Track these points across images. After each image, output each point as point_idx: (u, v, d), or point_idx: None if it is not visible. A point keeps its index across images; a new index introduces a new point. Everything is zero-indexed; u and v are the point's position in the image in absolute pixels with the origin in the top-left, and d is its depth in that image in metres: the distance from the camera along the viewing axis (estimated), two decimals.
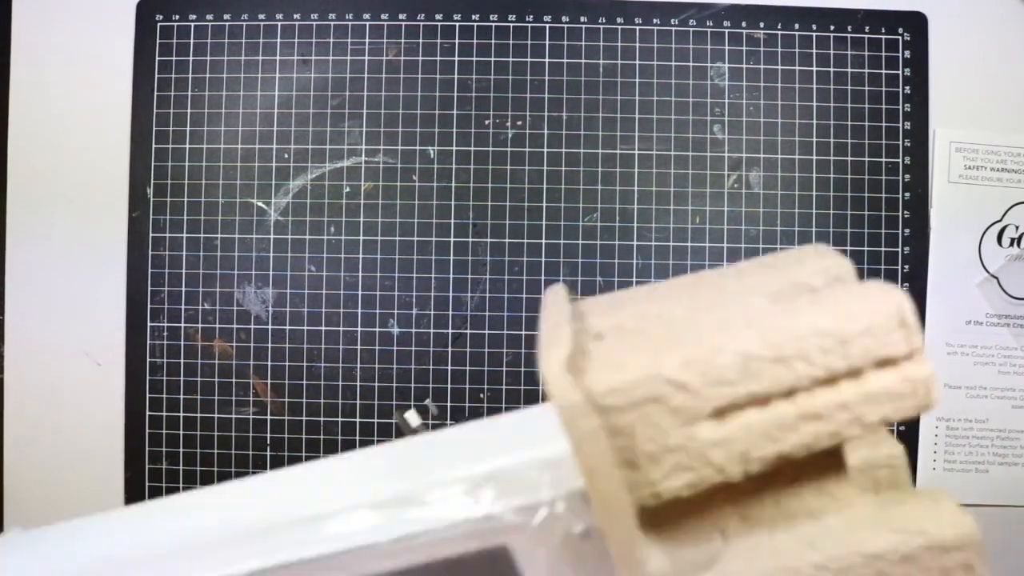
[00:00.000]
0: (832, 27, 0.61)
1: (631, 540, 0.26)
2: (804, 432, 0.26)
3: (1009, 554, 0.62)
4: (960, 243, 0.62)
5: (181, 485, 0.60)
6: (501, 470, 0.29)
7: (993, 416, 0.62)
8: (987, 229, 0.62)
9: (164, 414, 0.60)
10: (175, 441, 0.60)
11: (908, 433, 0.60)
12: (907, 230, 0.61)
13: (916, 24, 0.61)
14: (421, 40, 0.61)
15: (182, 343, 0.60)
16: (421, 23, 0.61)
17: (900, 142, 0.61)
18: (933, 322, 0.61)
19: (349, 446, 0.60)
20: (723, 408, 0.26)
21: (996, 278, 0.62)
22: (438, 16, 0.61)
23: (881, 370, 0.25)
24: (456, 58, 0.61)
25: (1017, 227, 0.62)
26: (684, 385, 0.26)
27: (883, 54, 0.61)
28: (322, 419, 0.60)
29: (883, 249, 0.61)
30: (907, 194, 0.61)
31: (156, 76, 0.60)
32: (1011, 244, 0.62)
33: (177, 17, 0.61)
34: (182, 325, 0.60)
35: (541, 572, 0.29)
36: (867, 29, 0.61)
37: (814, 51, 0.61)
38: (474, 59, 0.61)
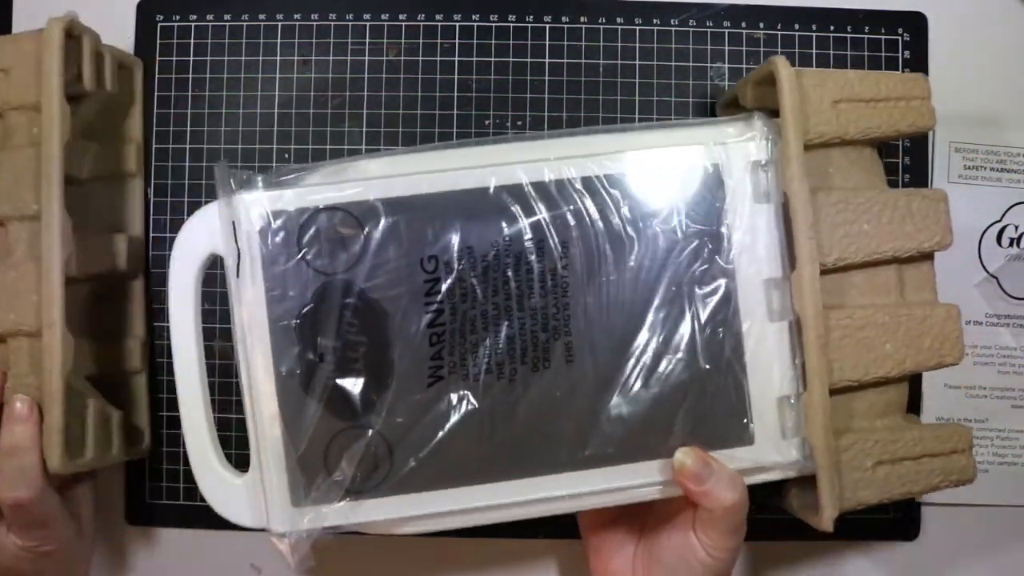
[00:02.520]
0: (832, 27, 0.61)
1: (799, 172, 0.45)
2: None
3: (1010, 554, 0.62)
4: (959, 243, 0.61)
5: (181, 485, 0.60)
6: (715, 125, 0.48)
7: (993, 416, 0.62)
8: (986, 229, 0.62)
9: (165, 414, 0.60)
10: (175, 441, 0.60)
11: None
12: None
13: (916, 24, 0.61)
14: (421, 40, 0.61)
15: None
16: (421, 23, 0.61)
17: (900, 142, 0.61)
18: None
19: None
20: None
21: (996, 278, 0.62)
22: (438, 16, 0.61)
23: None
24: (456, 58, 0.61)
25: (1016, 227, 0.62)
26: None
27: (883, 54, 0.61)
28: None
29: None
30: None
31: (156, 76, 0.60)
32: (1010, 244, 0.62)
33: (177, 17, 0.60)
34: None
35: (735, 180, 0.46)
36: (867, 29, 0.61)
37: (814, 51, 0.61)
38: (474, 59, 0.61)
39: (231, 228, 0.45)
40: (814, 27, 0.61)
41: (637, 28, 0.61)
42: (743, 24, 0.61)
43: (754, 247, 0.46)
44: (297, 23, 0.61)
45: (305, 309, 0.45)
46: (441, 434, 0.45)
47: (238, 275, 0.45)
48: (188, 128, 0.60)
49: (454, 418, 0.45)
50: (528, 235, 0.45)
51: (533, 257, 0.45)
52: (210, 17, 0.60)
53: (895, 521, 0.61)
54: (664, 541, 0.48)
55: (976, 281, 0.62)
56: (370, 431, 0.45)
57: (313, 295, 0.45)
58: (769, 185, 0.46)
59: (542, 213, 0.45)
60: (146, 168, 0.60)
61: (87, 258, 0.54)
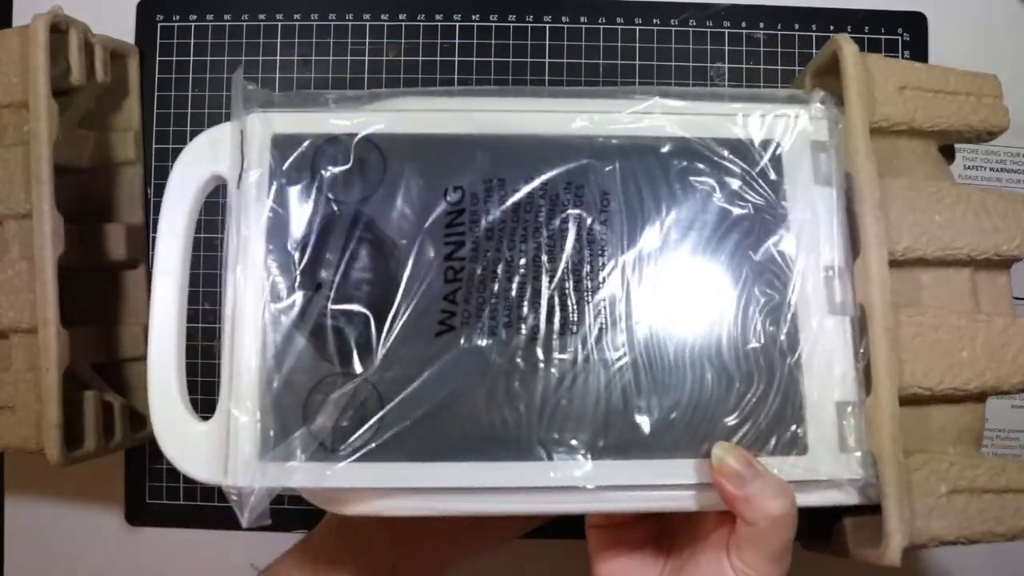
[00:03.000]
0: (832, 27, 0.61)
1: (864, 147, 0.42)
2: None
3: (1010, 554, 0.62)
4: None
5: (181, 485, 0.60)
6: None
7: (993, 416, 0.61)
8: None
9: None
10: None
11: None
12: None
13: (916, 24, 0.61)
14: (421, 40, 0.61)
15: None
16: (421, 23, 0.61)
17: None
18: None
19: None
20: None
21: None
22: (438, 16, 0.61)
23: None
24: (456, 58, 0.61)
25: None
26: None
27: (882, 54, 0.61)
28: None
29: None
30: None
31: (157, 76, 0.61)
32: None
33: (178, 17, 0.61)
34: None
35: (795, 159, 0.42)
36: (867, 29, 0.61)
37: (814, 51, 0.61)
38: (474, 59, 0.61)
39: (240, 143, 0.41)
40: (814, 27, 0.61)
41: (637, 28, 0.61)
42: (743, 24, 0.61)
43: (814, 231, 0.42)
44: (297, 23, 0.61)
45: (309, 235, 0.40)
46: (443, 394, 0.39)
47: (243, 195, 0.41)
48: (189, 128, 0.60)
49: (461, 378, 0.39)
50: (567, 180, 0.41)
51: (570, 203, 0.41)
52: (210, 17, 0.61)
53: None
54: (691, 569, 0.41)
55: None
56: (362, 379, 0.39)
57: (320, 222, 0.40)
58: (830, 168, 0.42)
59: (583, 160, 0.41)
60: (146, 157, 0.61)
61: (87, 247, 0.55)
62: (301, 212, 0.40)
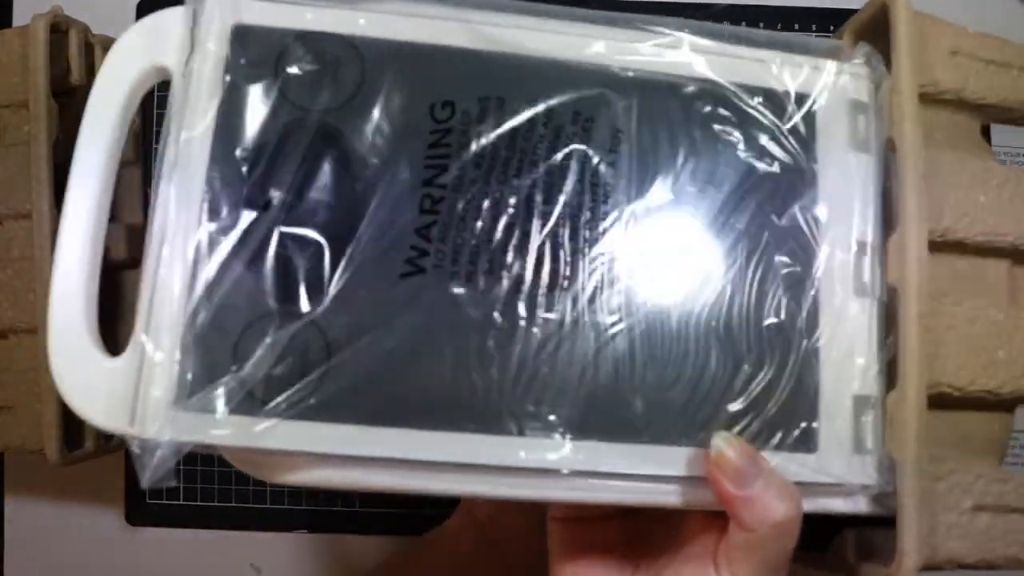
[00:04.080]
0: (831, 27, 0.61)
1: (912, 111, 0.37)
2: None
3: None
4: None
5: (181, 485, 0.60)
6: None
7: None
8: None
9: None
10: None
11: None
12: None
13: None
14: None
15: None
16: None
17: None
18: None
19: None
20: None
21: None
22: None
23: None
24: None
25: None
26: None
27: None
28: None
29: None
30: None
31: None
32: None
33: None
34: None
35: (830, 118, 0.38)
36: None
37: None
38: None
39: (196, 31, 0.35)
40: (813, 27, 0.61)
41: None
42: (743, 24, 0.61)
43: (846, 200, 0.37)
44: None
45: (264, 144, 0.34)
46: (403, 348, 0.33)
47: (190, 90, 0.34)
48: None
49: (426, 330, 0.33)
50: (576, 110, 0.36)
51: (576, 139, 0.36)
52: None
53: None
54: None
55: None
56: (308, 320, 0.33)
57: (278, 129, 0.34)
58: (869, 132, 0.38)
59: (599, 92, 0.36)
60: (145, 157, 0.61)
61: None
62: (256, 116, 0.34)
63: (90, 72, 0.54)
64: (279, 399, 0.32)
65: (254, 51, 0.35)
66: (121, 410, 0.33)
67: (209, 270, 0.33)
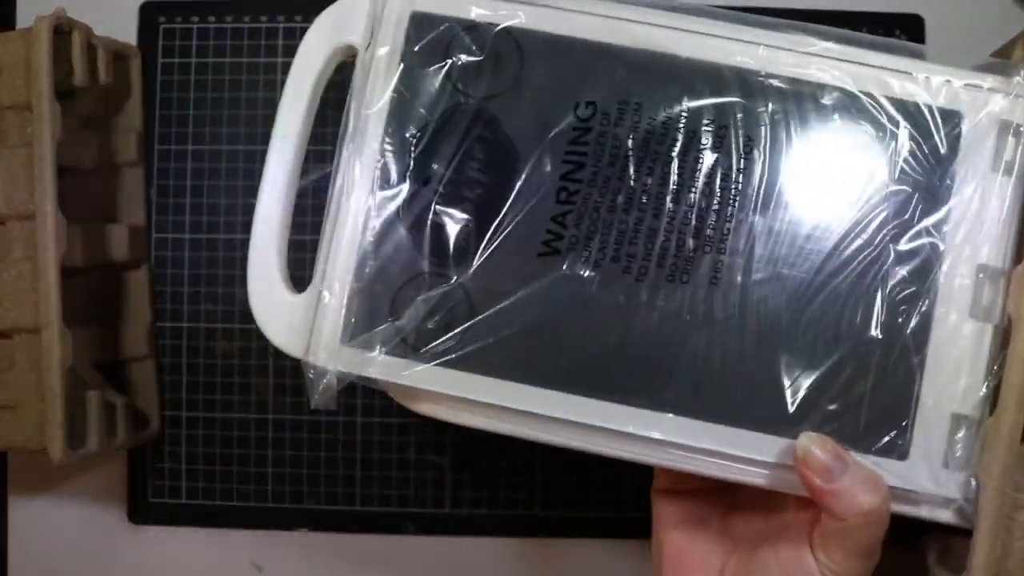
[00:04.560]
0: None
1: None
2: None
3: None
4: None
5: (184, 484, 0.61)
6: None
7: None
8: None
9: (167, 413, 0.61)
10: (177, 439, 0.61)
11: None
12: None
13: (913, 26, 0.61)
14: None
15: (184, 343, 0.60)
16: None
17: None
18: None
19: (350, 446, 0.60)
20: None
21: None
22: None
23: None
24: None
25: None
26: None
27: None
28: (323, 419, 0.60)
29: None
30: None
31: (159, 77, 0.61)
32: None
33: (180, 19, 0.61)
34: (184, 325, 0.60)
35: (975, 137, 0.38)
36: (864, 31, 0.61)
37: None
38: None
39: (379, 16, 0.40)
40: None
41: None
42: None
43: (977, 222, 0.37)
44: (298, 25, 0.61)
45: (429, 124, 0.39)
46: (534, 317, 0.38)
47: (372, 69, 0.39)
48: (191, 129, 0.60)
49: (555, 304, 0.38)
50: (710, 116, 0.38)
51: (707, 144, 0.38)
52: (212, 19, 0.61)
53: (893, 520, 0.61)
54: (768, 557, 0.38)
55: None
56: (455, 285, 0.38)
57: (443, 112, 0.39)
58: (1016, 154, 0.38)
59: (735, 99, 0.38)
60: (148, 158, 0.61)
61: (90, 247, 0.55)
62: (425, 98, 0.39)
63: (93, 73, 0.54)
64: (426, 348, 0.38)
65: (427, 38, 0.39)
66: (299, 339, 0.39)
67: (376, 231, 0.38)
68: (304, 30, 0.59)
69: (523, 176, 0.38)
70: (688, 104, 0.38)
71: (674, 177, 0.38)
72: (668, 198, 0.38)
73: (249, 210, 0.44)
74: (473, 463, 0.60)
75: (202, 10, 0.61)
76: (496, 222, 0.38)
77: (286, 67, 0.59)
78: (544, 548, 0.61)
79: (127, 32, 0.61)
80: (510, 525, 0.61)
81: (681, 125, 0.38)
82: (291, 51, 0.60)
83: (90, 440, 0.52)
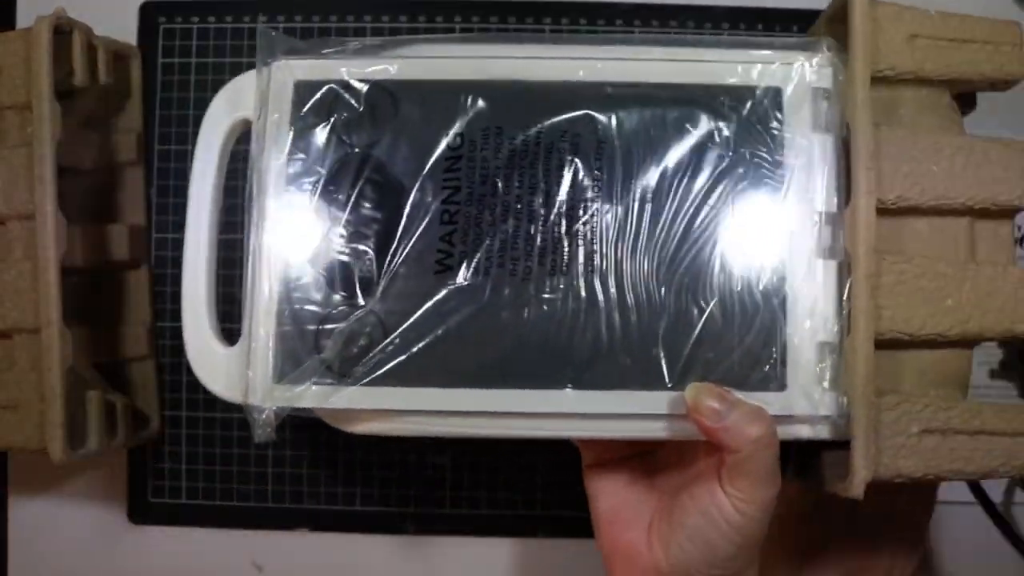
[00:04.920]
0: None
1: (862, 97, 0.42)
2: None
3: (1007, 553, 0.62)
4: None
5: (184, 484, 0.61)
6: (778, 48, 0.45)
7: None
8: None
9: (167, 413, 0.61)
10: (177, 439, 0.61)
11: None
12: None
13: None
14: None
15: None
16: (422, 25, 0.61)
17: None
18: None
19: (350, 445, 0.60)
20: None
21: None
22: (439, 18, 0.61)
23: None
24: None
25: (1020, 228, 0.62)
26: None
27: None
28: None
29: None
30: None
31: (159, 77, 0.61)
32: (1016, 244, 0.62)
33: (180, 19, 0.61)
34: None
35: (795, 106, 0.44)
36: None
37: None
38: None
39: (266, 89, 0.44)
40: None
41: (636, 31, 0.61)
42: (742, 26, 0.61)
43: (810, 178, 0.43)
44: (299, 26, 0.61)
45: (323, 177, 0.44)
46: (441, 328, 0.42)
47: (266, 136, 0.44)
48: (191, 129, 0.61)
49: (457, 313, 0.43)
50: (564, 129, 0.43)
51: (566, 153, 0.43)
52: (212, 19, 0.61)
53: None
54: (686, 501, 0.43)
55: None
56: (366, 311, 0.43)
57: (333, 164, 0.44)
58: (831, 115, 0.44)
59: (582, 111, 0.43)
60: (148, 158, 0.61)
61: (90, 247, 0.55)
62: (316, 154, 0.44)
63: (93, 73, 0.54)
64: (351, 372, 0.42)
65: (310, 102, 0.44)
66: (237, 385, 0.44)
67: (289, 278, 0.43)
68: (304, 30, 0.61)
69: (409, 207, 0.43)
70: (542, 121, 0.43)
71: (541, 186, 0.43)
72: (538, 205, 0.43)
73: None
74: (473, 463, 0.60)
75: (202, 10, 0.61)
76: (392, 250, 0.43)
77: None
78: (544, 548, 0.61)
79: (127, 32, 0.61)
80: (510, 525, 0.61)
81: (539, 139, 0.43)
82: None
83: (90, 440, 0.52)
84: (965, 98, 0.49)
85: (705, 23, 0.61)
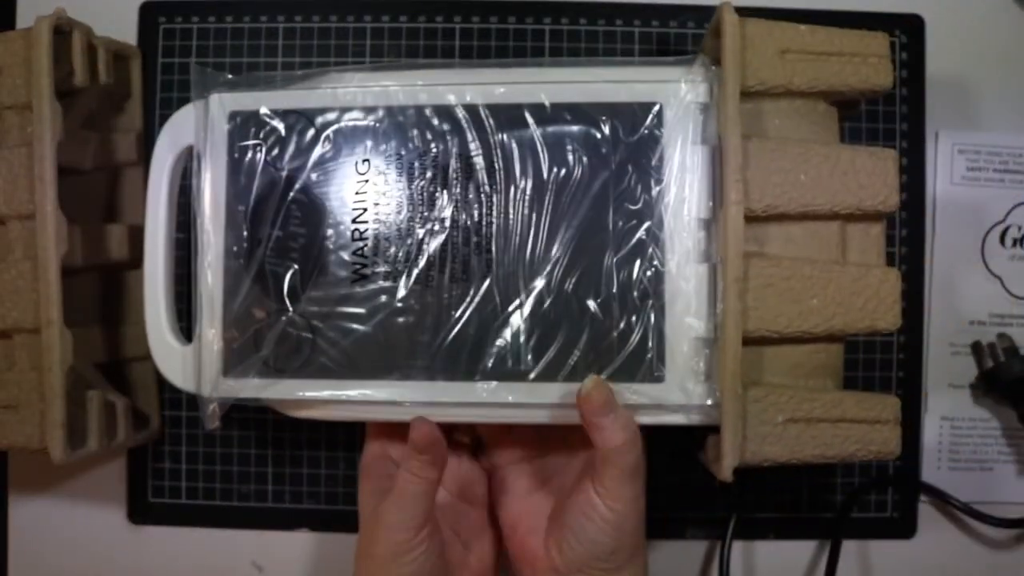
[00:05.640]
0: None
1: (731, 112, 0.46)
2: None
3: (1014, 552, 0.62)
4: (963, 244, 0.62)
5: (183, 484, 0.61)
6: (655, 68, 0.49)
7: (996, 414, 0.61)
8: (990, 230, 0.62)
9: (167, 413, 0.61)
10: (178, 439, 0.61)
11: (911, 433, 0.60)
12: (904, 230, 0.61)
13: (913, 26, 0.61)
14: (421, 42, 0.61)
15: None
16: (421, 25, 0.61)
17: (897, 143, 0.61)
18: (936, 322, 0.61)
19: (351, 445, 0.60)
20: None
21: (999, 278, 0.62)
22: (438, 18, 0.61)
23: None
24: (456, 60, 0.61)
25: (1020, 227, 0.62)
26: None
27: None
28: None
29: None
30: (904, 195, 0.61)
31: (159, 77, 0.61)
32: (1014, 244, 0.62)
33: (180, 19, 0.61)
34: (184, 324, 0.60)
35: (675, 120, 0.48)
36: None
37: None
38: (474, 61, 0.61)
39: (204, 119, 0.50)
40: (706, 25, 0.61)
41: (636, 31, 0.61)
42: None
43: (687, 187, 0.47)
44: (299, 26, 0.61)
45: (256, 197, 0.49)
46: (359, 329, 0.48)
47: (206, 162, 0.49)
48: None
49: (372, 315, 0.48)
50: (456, 151, 0.48)
51: (459, 173, 0.48)
52: (212, 19, 0.61)
53: (892, 520, 0.61)
54: (569, 504, 0.47)
55: (980, 282, 0.62)
56: (294, 316, 0.49)
57: (264, 186, 0.49)
58: (708, 128, 0.47)
59: (473, 133, 0.49)
60: (148, 158, 0.60)
61: (90, 248, 0.55)
62: (249, 177, 0.49)
63: (93, 73, 0.54)
64: (285, 367, 0.49)
65: (243, 129, 0.50)
66: (191, 378, 0.50)
67: (231, 287, 0.49)
68: (304, 30, 0.61)
69: (327, 224, 0.49)
70: (438, 144, 0.49)
71: (439, 203, 0.49)
72: (438, 219, 0.49)
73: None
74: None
75: (202, 10, 0.61)
76: (314, 262, 0.49)
77: (286, 67, 0.61)
78: None
79: (127, 32, 0.61)
80: None
81: (435, 162, 0.49)
82: (291, 51, 0.61)
83: (90, 440, 0.53)
84: (846, 104, 0.51)
85: (705, 23, 0.61)
